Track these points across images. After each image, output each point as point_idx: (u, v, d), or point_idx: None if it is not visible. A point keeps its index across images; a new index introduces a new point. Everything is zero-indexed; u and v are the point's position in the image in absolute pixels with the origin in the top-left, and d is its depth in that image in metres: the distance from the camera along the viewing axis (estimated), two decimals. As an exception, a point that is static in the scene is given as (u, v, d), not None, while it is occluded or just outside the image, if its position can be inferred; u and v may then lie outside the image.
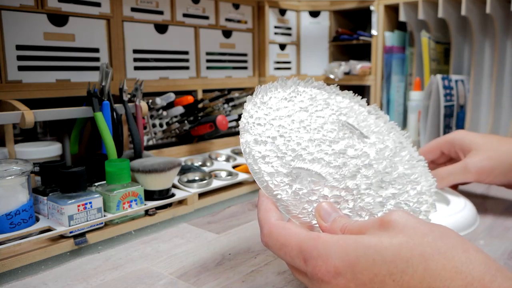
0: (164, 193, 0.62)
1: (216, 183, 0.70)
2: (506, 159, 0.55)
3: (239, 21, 0.99)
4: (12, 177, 0.48)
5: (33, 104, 0.61)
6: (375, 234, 0.31)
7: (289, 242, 0.34)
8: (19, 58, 0.64)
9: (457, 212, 0.55)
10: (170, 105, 0.80)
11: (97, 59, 0.73)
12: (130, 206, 0.56)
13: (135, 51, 0.79)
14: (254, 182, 0.77)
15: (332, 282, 0.31)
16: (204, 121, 0.79)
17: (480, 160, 0.56)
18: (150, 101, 0.76)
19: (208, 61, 0.93)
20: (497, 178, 0.56)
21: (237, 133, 0.96)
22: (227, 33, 0.96)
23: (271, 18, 1.05)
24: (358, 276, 0.30)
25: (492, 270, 0.27)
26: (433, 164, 0.66)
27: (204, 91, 0.92)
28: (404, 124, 1.08)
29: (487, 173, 0.56)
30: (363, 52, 1.17)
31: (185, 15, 0.87)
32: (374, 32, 1.05)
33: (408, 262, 0.29)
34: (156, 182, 0.61)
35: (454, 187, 0.65)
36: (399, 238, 0.30)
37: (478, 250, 0.29)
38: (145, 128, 0.77)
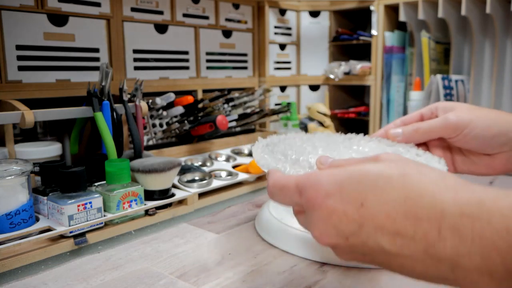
0: (164, 193, 0.62)
1: (216, 183, 0.70)
2: (485, 117, 0.55)
3: (239, 21, 0.99)
4: (12, 177, 0.48)
5: (33, 104, 0.61)
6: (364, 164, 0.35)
7: (287, 183, 0.37)
8: (19, 58, 0.64)
9: None
10: (170, 105, 0.80)
11: (97, 59, 0.73)
12: (130, 206, 0.56)
13: (135, 51, 0.79)
14: (254, 182, 0.77)
15: (322, 205, 0.33)
16: (204, 121, 0.79)
17: (461, 113, 0.56)
18: (150, 101, 0.76)
19: (208, 61, 0.93)
20: (473, 132, 0.55)
21: (237, 133, 0.96)
22: (227, 33, 0.96)
23: (271, 18, 1.05)
24: (345, 196, 0.32)
25: (464, 181, 0.30)
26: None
27: (204, 91, 0.92)
28: (404, 124, 1.08)
29: (465, 124, 0.54)
30: (363, 52, 1.17)
31: (185, 15, 0.87)
32: (374, 32, 1.05)
33: (389, 178, 0.31)
34: (156, 182, 0.61)
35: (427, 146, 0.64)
36: (384, 163, 0.33)
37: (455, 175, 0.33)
38: (145, 128, 0.77)
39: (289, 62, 1.13)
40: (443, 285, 0.30)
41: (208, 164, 0.79)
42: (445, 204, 0.29)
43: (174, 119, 0.82)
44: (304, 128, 1.06)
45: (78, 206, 0.51)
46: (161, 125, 0.81)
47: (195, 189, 0.67)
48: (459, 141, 0.56)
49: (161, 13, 0.82)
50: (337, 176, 0.33)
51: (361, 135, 0.63)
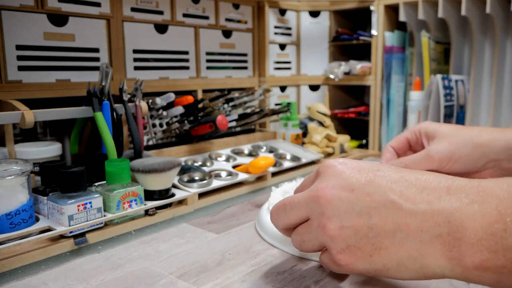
0: (164, 193, 0.62)
1: (216, 183, 0.70)
2: (465, 144, 0.56)
3: (239, 21, 0.99)
4: (12, 177, 0.48)
5: (33, 104, 0.61)
6: None
7: (309, 175, 0.42)
8: (19, 58, 0.64)
9: None
10: (170, 105, 0.80)
11: (97, 59, 0.73)
12: (130, 206, 0.56)
13: (135, 51, 0.79)
14: (254, 182, 0.77)
15: (337, 166, 0.37)
16: (204, 121, 0.79)
17: (442, 146, 0.57)
18: (150, 101, 0.76)
19: (208, 61, 0.93)
20: (457, 163, 0.56)
21: (237, 133, 0.96)
22: (227, 33, 0.96)
23: (271, 18, 1.05)
24: (361, 165, 0.37)
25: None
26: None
27: (204, 91, 0.92)
28: (404, 124, 1.08)
29: (448, 158, 0.56)
30: (363, 52, 1.17)
31: (185, 15, 0.87)
32: (374, 32, 1.05)
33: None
34: (156, 182, 0.61)
35: None
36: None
37: None
38: (145, 128, 0.77)
39: (289, 62, 1.13)
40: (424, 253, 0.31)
41: (208, 164, 0.79)
42: (454, 178, 0.33)
43: (174, 119, 0.82)
44: (304, 128, 1.06)
45: (78, 206, 0.51)
46: (161, 125, 0.81)
47: (195, 189, 0.67)
48: (445, 170, 0.59)
49: (161, 13, 0.82)
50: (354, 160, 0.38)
51: None
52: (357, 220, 0.34)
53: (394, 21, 1.07)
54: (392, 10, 1.06)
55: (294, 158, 0.89)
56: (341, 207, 0.34)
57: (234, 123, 0.88)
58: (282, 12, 1.09)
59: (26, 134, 0.71)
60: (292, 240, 0.41)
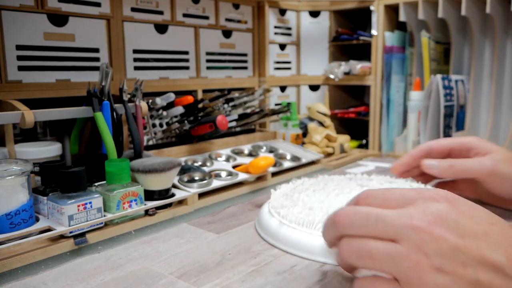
0: (164, 193, 0.62)
1: (216, 183, 0.70)
2: None
3: (239, 21, 0.99)
4: (12, 177, 0.48)
5: (33, 104, 0.61)
6: None
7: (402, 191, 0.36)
8: (19, 58, 0.64)
9: None
10: (170, 105, 0.80)
11: (97, 59, 0.73)
12: (130, 206, 0.56)
13: (135, 51, 0.79)
14: (254, 182, 0.77)
15: (448, 204, 0.33)
16: (204, 121, 0.79)
17: (496, 158, 0.56)
18: (150, 101, 0.76)
19: (208, 61, 0.93)
20: (506, 182, 0.55)
21: (237, 133, 0.96)
22: (227, 33, 0.96)
23: (271, 18, 1.05)
24: (468, 209, 0.33)
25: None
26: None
27: (204, 91, 0.92)
28: (404, 124, 1.08)
29: (501, 173, 0.55)
30: (363, 52, 1.17)
31: (185, 15, 0.87)
32: (374, 32, 1.05)
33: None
34: (156, 182, 0.61)
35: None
36: None
37: None
38: (145, 128, 0.77)
39: (289, 62, 1.13)
40: None
41: (208, 164, 0.79)
42: None
43: (174, 119, 0.82)
44: (304, 128, 1.06)
45: (78, 206, 0.51)
46: (161, 125, 0.81)
47: (195, 189, 0.67)
48: (493, 187, 0.57)
49: (161, 13, 0.82)
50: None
51: (359, 174, 0.69)
52: (459, 269, 0.30)
53: (394, 21, 1.07)
54: (392, 10, 1.06)
55: (294, 158, 0.89)
56: (445, 251, 0.30)
57: (234, 123, 0.88)
58: (282, 12, 1.09)
59: (26, 134, 0.71)
60: (346, 251, 0.35)
